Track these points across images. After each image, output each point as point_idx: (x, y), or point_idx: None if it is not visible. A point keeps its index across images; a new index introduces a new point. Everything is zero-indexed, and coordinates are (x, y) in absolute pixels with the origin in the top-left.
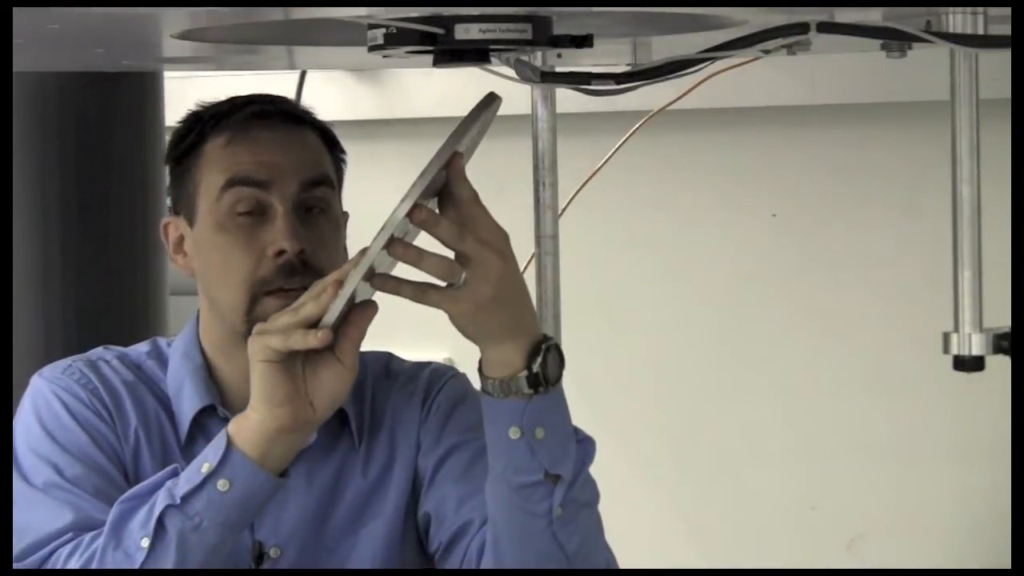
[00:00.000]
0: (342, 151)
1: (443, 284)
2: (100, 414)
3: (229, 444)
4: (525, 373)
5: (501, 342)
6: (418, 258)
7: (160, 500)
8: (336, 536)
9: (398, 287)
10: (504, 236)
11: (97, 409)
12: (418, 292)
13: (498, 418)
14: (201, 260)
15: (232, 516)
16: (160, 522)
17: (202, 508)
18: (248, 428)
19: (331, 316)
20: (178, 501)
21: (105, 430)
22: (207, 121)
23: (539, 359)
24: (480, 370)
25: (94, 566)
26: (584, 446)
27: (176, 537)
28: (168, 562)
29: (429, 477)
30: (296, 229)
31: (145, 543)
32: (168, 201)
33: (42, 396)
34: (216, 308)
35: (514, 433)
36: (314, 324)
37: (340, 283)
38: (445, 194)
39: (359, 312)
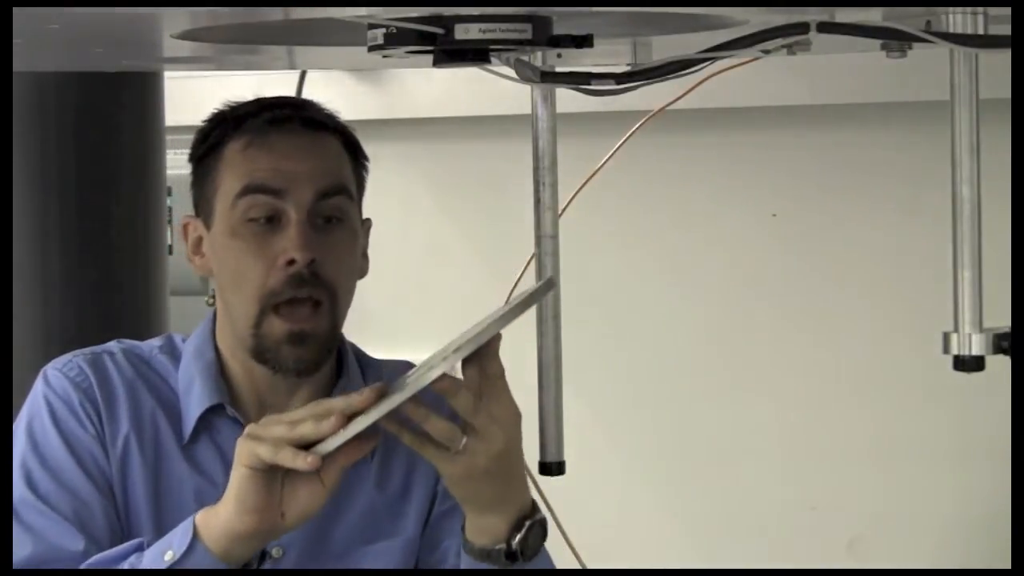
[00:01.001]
0: (365, 157)
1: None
2: (90, 420)
3: (195, 536)
4: (504, 547)
5: (486, 512)
6: (425, 418)
7: None
8: (345, 543)
9: (400, 430)
10: (516, 417)
11: (88, 414)
12: (416, 442)
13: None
14: (216, 264)
15: None
16: None
17: None
18: (216, 526)
19: (327, 447)
20: None
21: (90, 442)
22: (229, 123)
23: (520, 535)
24: (462, 529)
25: None
26: None
27: None
28: None
29: (437, 516)
30: (308, 239)
31: None
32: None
33: (36, 400)
34: (230, 313)
35: None
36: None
37: (345, 415)
38: (474, 361)
39: (356, 444)
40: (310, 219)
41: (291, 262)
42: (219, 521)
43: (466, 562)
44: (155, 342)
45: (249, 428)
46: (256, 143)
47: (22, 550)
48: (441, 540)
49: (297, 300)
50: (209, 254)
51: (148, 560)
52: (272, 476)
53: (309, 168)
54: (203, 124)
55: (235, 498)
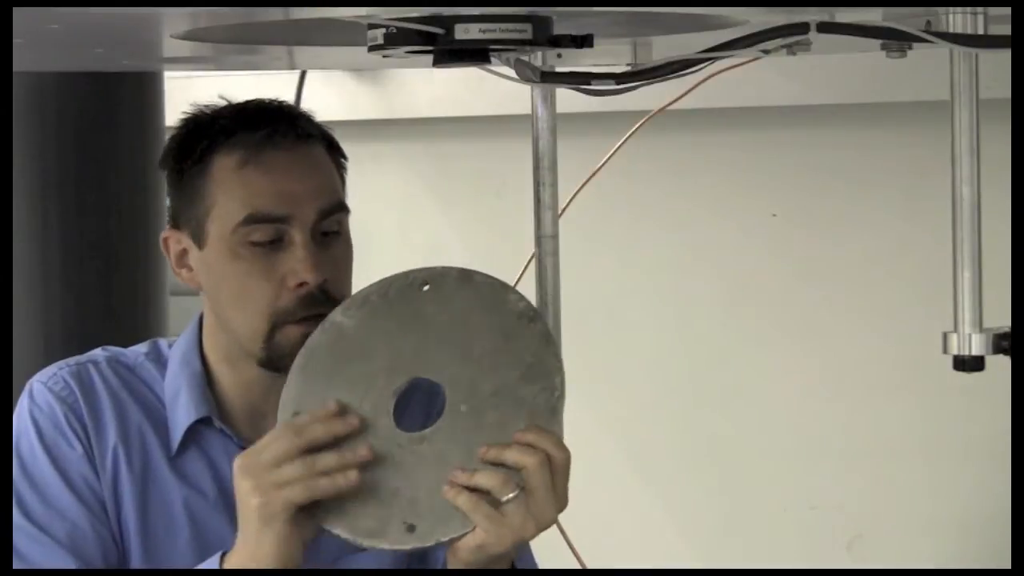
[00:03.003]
0: (344, 156)
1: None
2: (77, 437)
3: None
4: None
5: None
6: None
7: None
8: (335, 551)
9: (457, 493)
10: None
11: (75, 430)
12: (470, 502)
13: None
14: (212, 282)
15: None
16: None
17: None
18: None
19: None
20: None
21: (78, 461)
22: (214, 135)
23: None
24: None
25: None
26: None
27: None
28: None
29: None
30: (316, 259)
31: None
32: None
33: (23, 418)
34: (228, 327)
35: None
36: None
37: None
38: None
39: None
40: (313, 237)
41: (301, 284)
42: None
43: None
44: (141, 348)
45: (249, 486)
46: (252, 162)
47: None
48: (433, 549)
49: (308, 318)
50: (199, 269)
51: None
52: (298, 515)
53: (309, 188)
54: (177, 131)
55: (279, 562)
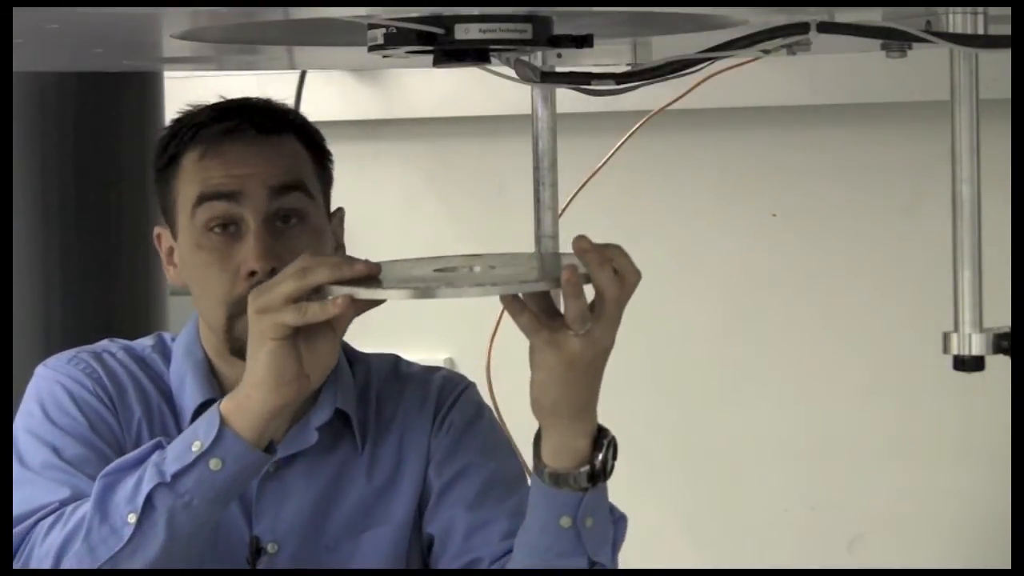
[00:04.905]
0: (326, 153)
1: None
2: (103, 401)
3: (223, 424)
4: (587, 469)
5: (573, 422)
6: (577, 293)
7: (148, 477)
8: (337, 536)
9: (520, 310)
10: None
11: (100, 397)
12: (533, 323)
13: (550, 507)
14: (186, 275)
15: (222, 493)
16: (149, 499)
17: (193, 486)
18: (248, 409)
19: (342, 290)
20: (168, 479)
21: (108, 416)
22: (185, 132)
23: (602, 454)
24: (538, 456)
25: (79, 540)
26: (619, 526)
27: (166, 514)
28: (156, 537)
29: (437, 495)
30: (267, 247)
31: (132, 519)
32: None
33: (45, 383)
34: (205, 318)
35: (565, 522)
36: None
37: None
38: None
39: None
40: (268, 224)
41: (253, 272)
42: (252, 405)
43: (540, 493)
44: (147, 341)
45: (258, 302)
46: (210, 153)
47: (54, 496)
48: (444, 510)
49: None
50: (179, 264)
51: (173, 455)
52: (295, 341)
53: (262, 168)
54: (163, 133)
55: (267, 377)
